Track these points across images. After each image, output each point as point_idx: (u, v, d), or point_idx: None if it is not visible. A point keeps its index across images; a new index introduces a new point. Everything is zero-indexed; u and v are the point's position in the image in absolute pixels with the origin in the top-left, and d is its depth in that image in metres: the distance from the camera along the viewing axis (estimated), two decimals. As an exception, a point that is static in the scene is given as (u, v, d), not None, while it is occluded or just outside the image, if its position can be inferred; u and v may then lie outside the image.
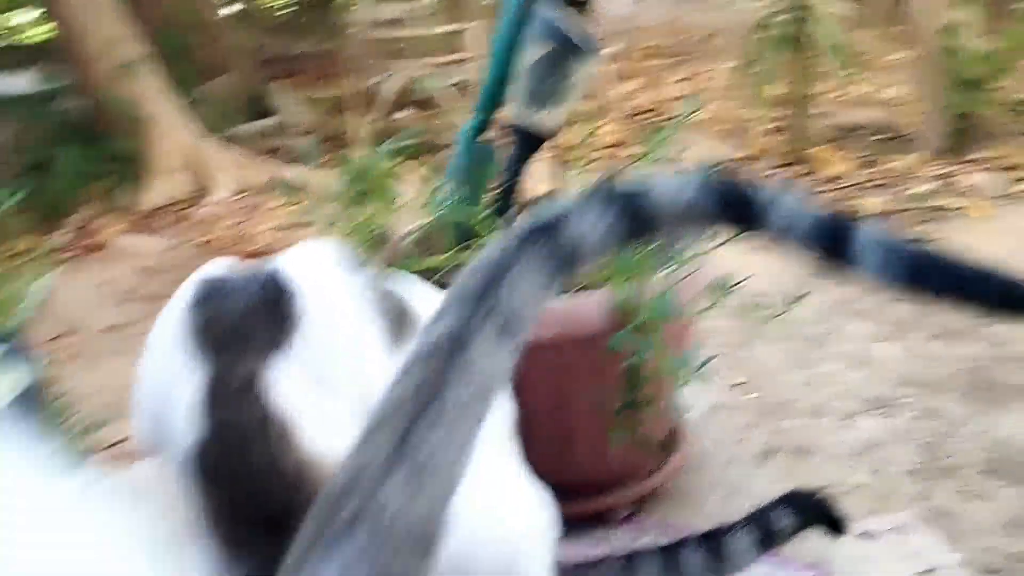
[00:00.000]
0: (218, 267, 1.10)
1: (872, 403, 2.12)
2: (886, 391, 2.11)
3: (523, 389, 1.28)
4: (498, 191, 1.74)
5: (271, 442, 0.97)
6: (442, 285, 1.38)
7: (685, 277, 1.46)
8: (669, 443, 1.69)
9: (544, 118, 1.68)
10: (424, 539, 0.64)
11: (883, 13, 5.39)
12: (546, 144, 1.75)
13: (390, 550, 0.61)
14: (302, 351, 1.02)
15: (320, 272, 1.10)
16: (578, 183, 1.70)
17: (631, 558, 1.47)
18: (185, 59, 5.40)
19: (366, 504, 0.61)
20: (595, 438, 1.54)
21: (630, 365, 1.42)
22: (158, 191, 4.83)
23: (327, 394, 1.03)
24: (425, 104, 5.34)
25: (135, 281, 4.17)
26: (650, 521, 1.62)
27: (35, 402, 1.36)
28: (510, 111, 1.70)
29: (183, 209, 4.73)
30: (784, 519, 1.55)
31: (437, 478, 0.63)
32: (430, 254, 1.62)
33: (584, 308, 1.43)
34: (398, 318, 1.16)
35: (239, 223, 4.33)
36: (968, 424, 1.94)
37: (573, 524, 1.35)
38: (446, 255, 1.59)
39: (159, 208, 4.77)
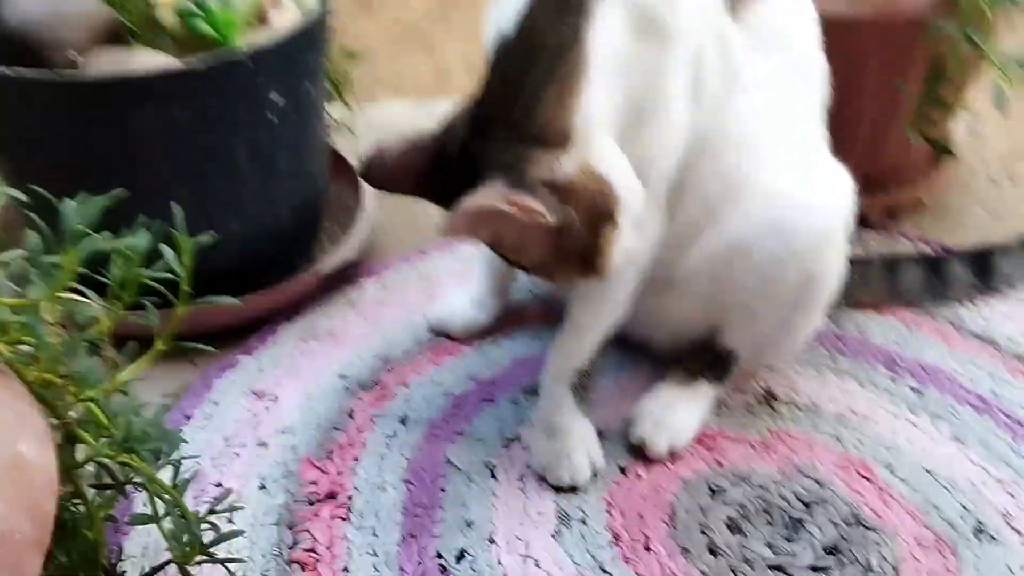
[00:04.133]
0: None
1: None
2: None
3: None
4: None
5: (555, 71, 0.92)
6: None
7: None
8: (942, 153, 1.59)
9: None
10: None
11: None
12: None
13: None
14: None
15: None
16: None
17: (894, 262, 1.42)
18: None
19: None
20: (876, 131, 1.45)
21: (945, 56, 1.30)
22: None
23: (650, 39, 0.98)
24: None
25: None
26: (908, 231, 1.55)
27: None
28: None
29: None
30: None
31: None
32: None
33: (906, -15, 1.29)
34: None
35: None
36: None
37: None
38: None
39: None
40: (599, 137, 0.96)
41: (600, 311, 1.14)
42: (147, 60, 1.22)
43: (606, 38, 0.95)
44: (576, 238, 0.94)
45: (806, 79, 1.16)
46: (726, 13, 1.06)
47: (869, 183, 1.53)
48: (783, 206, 1.09)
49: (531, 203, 0.89)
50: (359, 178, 1.54)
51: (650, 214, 1.07)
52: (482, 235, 0.94)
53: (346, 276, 1.45)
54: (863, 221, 1.53)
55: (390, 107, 1.90)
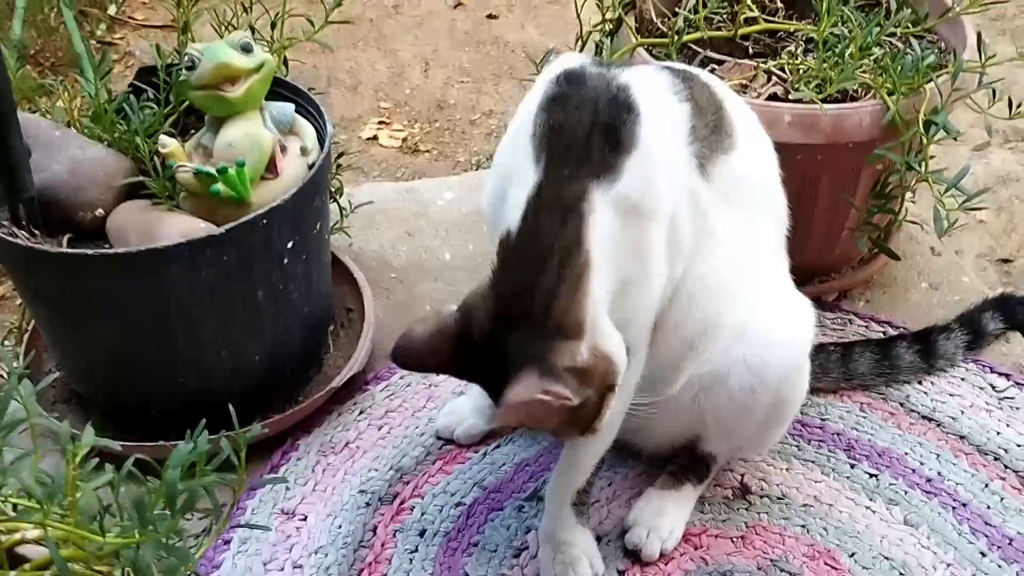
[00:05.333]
0: (576, 60, 1.15)
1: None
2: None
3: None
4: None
5: (564, 276, 1.05)
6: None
7: (957, 88, 1.44)
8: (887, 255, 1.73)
9: None
10: None
11: None
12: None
13: None
14: (630, 180, 1.08)
15: (659, 102, 1.13)
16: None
17: (848, 349, 1.58)
18: None
19: None
20: (827, 234, 1.60)
21: (888, 177, 1.45)
22: None
23: (633, 221, 1.10)
24: None
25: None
26: (856, 308, 1.71)
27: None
28: None
29: None
30: (993, 323, 1.64)
31: None
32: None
33: (853, 117, 1.43)
34: (716, 125, 1.19)
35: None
36: None
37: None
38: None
39: None
40: (603, 320, 1.09)
41: (594, 442, 1.28)
42: (173, 224, 1.32)
43: (600, 233, 1.07)
44: (588, 408, 1.08)
45: (769, 219, 1.30)
46: (697, 174, 1.19)
47: (823, 270, 1.70)
48: (755, 343, 1.24)
49: (562, 391, 1.02)
50: (358, 284, 1.68)
51: (634, 357, 1.21)
52: (523, 421, 1.08)
53: (355, 383, 1.58)
54: (819, 303, 1.70)
55: (375, 189, 2.01)
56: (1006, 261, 3.03)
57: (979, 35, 1.48)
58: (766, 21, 1.61)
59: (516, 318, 1.06)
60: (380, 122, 3.73)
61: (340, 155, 1.75)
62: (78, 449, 0.90)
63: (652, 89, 1.14)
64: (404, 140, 3.67)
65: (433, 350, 1.11)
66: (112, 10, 4.20)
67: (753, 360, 1.24)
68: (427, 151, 3.57)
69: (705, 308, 1.22)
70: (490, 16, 4.39)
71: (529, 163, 1.08)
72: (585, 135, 1.07)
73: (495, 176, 1.17)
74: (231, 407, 1.02)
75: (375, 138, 3.66)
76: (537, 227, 1.07)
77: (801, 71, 1.51)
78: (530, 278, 1.06)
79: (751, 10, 1.59)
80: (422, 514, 1.40)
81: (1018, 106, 1.55)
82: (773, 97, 1.49)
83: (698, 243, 1.19)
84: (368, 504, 1.41)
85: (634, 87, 1.11)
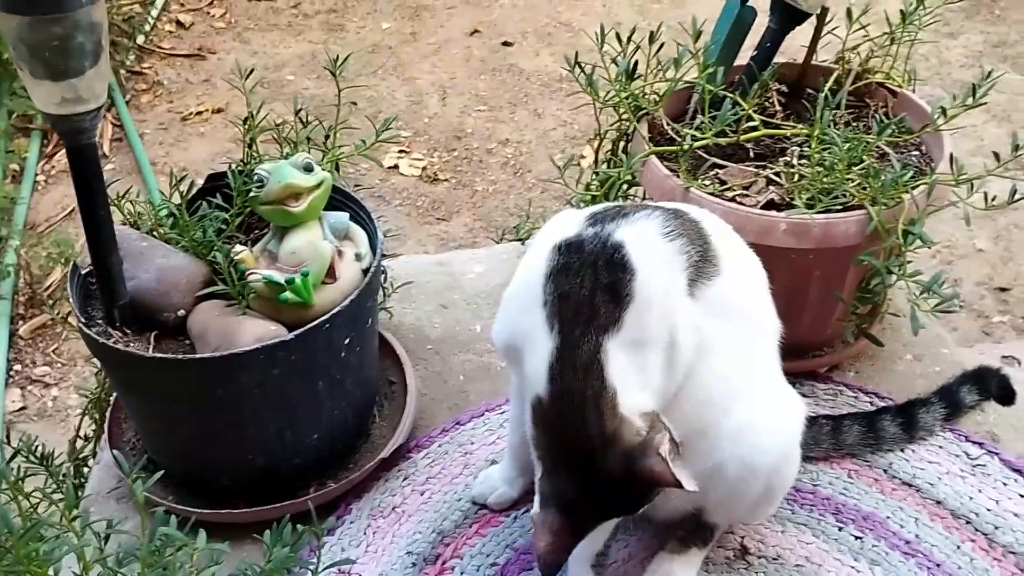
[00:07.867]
0: (568, 224, 1.33)
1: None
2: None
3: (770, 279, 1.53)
4: (752, 59, 1.88)
5: (602, 410, 1.24)
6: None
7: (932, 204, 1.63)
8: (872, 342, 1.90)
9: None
10: None
11: None
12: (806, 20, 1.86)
13: None
14: (631, 325, 1.26)
15: (650, 249, 1.30)
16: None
17: (837, 421, 1.77)
18: None
19: None
20: (819, 318, 1.80)
21: (872, 277, 1.64)
22: None
23: (641, 353, 1.28)
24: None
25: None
26: (846, 379, 1.91)
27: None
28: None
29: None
30: (969, 396, 1.83)
31: None
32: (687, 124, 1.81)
33: (840, 226, 1.63)
34: (703, 255, 1.37)
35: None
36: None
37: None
38: (703, 135, 1.77)
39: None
40: (644, 400, 1.27)
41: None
42: (248, 328, 1.53)
43: (617, 368, 1.26)
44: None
45: (756, 331, 1.46)
46: (690, 299, 1.35)
47: (816, 346, 1.90)
48: (748, 445, 1.42)
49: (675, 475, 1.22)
50: (400, 358, 1.87)
51: None
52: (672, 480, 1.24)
53: (399, 452, 1.78)
54: (812, 375, 1.90)
55: (410, 262, 2.21)
56: (1004, 289, 3.20)
57: (951, 155, 1.67)
58: (765, 125, 1.80)
59: (587, 457, 1.25)
60: (400, 151, 3.94)
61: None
62: (197, 552, 1.11)
63: (643, 239, 1.30)
64: (424, 169, 3.87)
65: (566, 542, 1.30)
66: (140, 39, 4.42)
67: (747, 458, 1.42)
68: (446, 180, 3.77)
69: (698, 416, 1.39)
70: (505, 43, 4.58)
71: (543, 329, 1.26)
72: (589, 297, 1.25)
73: (507, 324, 1.37)
74: (312, 508, 1.22)
75: (396, 167, 3.86)
76: (565, 389, 1.25)
77: (796, 178, 1.70)
78: (576, 430, 1.24)
79: (753, 119, 1.78)
80: (462, 573, 1.61)
81: (994, 198, 1.75)
82: (770, 204, 1.69)
83: (696, 357, 1.36)
84: (415, 564, 1.62)
85: (627, 244, 1.28)
